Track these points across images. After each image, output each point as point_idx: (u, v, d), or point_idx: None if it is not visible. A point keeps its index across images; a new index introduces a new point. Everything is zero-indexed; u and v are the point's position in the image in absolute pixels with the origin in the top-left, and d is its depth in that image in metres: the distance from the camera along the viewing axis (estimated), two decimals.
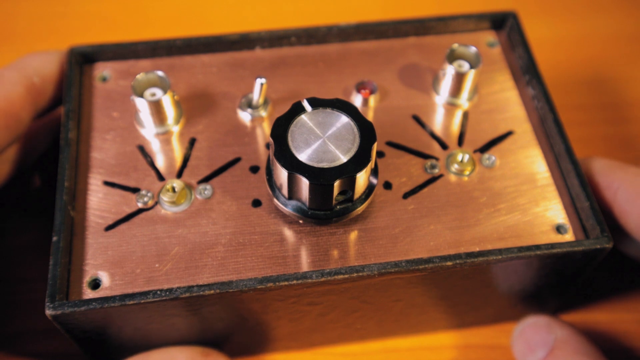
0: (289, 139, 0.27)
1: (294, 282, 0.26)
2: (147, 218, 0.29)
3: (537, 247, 0.28)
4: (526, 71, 0.33)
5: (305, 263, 0.28)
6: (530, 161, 0.31)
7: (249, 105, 0.32)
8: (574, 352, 0.30)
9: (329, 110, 0.28)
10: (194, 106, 0.33)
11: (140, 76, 0.31)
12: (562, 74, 0.45)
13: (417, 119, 0.33)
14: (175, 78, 0.34)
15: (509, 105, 0.33)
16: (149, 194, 0.30)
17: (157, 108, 0.31)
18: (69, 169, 0.29)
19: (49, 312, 0.26)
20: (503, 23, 0.36)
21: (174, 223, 0.29)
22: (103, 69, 0.34)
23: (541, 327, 0.32)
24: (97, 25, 0.48)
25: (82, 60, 0.33)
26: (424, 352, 0.35)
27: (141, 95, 0.31)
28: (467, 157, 0.31)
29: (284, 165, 0.26)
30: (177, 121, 0.32)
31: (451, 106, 0.33)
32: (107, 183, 0.30)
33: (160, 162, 0.31)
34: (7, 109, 0.31)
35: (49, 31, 0.47)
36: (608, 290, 0.37)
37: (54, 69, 0.33)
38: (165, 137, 0.32)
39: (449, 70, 0.32)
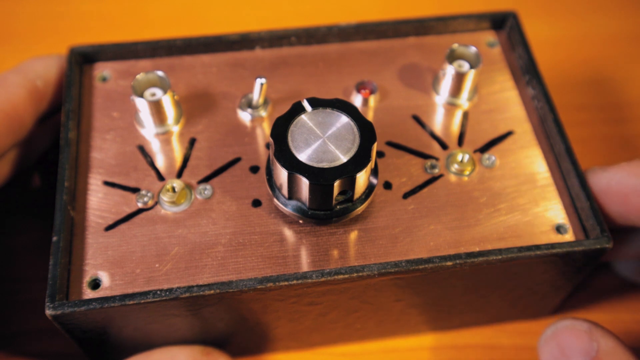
0: (289, 139, 0.27)
1: (294, 282, 0.26)
2: (147, 218, 0.29)
3: (537, 247, 0.28)
4: (526, 71, 0.33)
5: (305, 263, 0.28)
6: (530, 161, 0.31)
7: (249, 105, 0.32)
8: None
9: (329, 110, 0.27)
10: (194, 106, 0.33)
11: (140, 76, 0.30)
12: (562, 74, 0.45)
13: (417, 119, 0.33)
14: (175, 78, 0.34)
15: (509, 105, 0.33)
16: (149, 194, 0.30)
17: (157, 108, 0.31)
18: (69, 169, 0.29)
19: (49, 312, 0.26)
20: (503, 23, 0.36)
21: (174, 223, 0.29)
22: (103, 69, 0.34)
23: (581, 332, 0.27)
24: (97, 25, 0.48)
25: (82, 60, 0.33)
26: (424, 352, 0.35)
27: (141, 95, 0.31)
28: (467, 157, 0.31)
29: (284, 165, 0.26)
30: (177, 121, 0.32)
31: (451, 106, 0.33)
32: (107, 183, 0.30)
33: (160, 162, 0.31)
34: (11, 112, 0.31)
35: (49, 31, 0.47)
36: (608, 290, 0.37)
37: (57, 72, 0.33)
38: (165, 137, 0.32)
39: (449, 70, 0.32)
